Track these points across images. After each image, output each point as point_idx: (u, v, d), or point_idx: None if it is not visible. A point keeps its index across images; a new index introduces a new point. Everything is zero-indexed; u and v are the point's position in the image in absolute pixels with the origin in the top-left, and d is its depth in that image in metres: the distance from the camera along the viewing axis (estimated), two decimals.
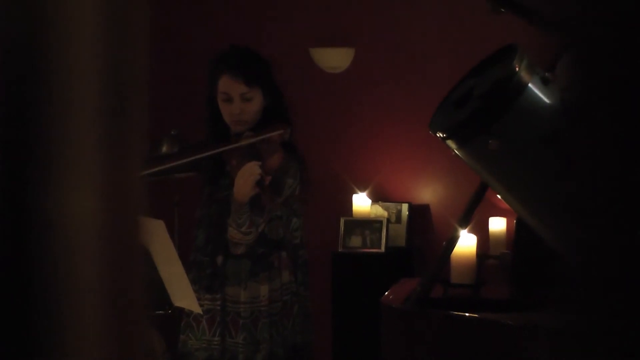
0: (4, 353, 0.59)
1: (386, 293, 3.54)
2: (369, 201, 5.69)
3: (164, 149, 4.03)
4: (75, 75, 0.60)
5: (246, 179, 3.41)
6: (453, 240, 3.35)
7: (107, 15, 0.62)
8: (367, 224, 5.59)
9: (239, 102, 3.52)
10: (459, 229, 3.33)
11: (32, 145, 0.59)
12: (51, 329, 0.60)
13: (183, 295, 3.44)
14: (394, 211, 5.69)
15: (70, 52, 0.60)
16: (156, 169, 3.48)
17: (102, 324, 0.63)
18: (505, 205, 3.68)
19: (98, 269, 0.61)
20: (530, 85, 2.72)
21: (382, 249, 5.51)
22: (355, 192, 5.73)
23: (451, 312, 3.19)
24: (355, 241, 5.58)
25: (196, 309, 3.50)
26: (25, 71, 0.59)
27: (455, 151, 2.92)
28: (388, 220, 5.60)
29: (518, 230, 3.57)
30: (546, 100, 2.74)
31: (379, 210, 5.67)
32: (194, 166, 3.62)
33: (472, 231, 3.63)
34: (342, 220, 5.61)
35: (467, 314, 3.15)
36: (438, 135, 2.92)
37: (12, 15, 0.59)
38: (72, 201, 0.59)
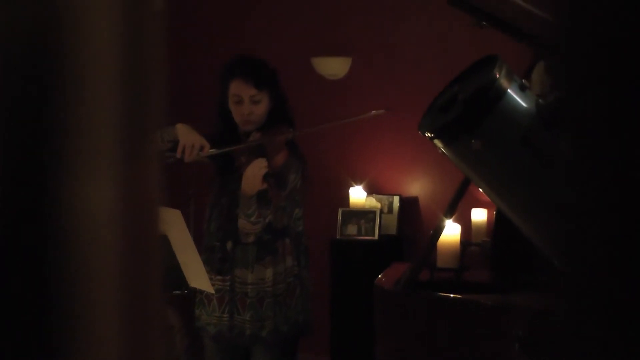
0: (24, 343, 0.58)
1: (379, 276, 3.54)
2: (364, 194, 5.70)
3: None
4: (94, 70, 0.59)
5: (255, 173, 3.42)
6: (439, 229, 3.35)
7: (125, 15, 0.61)
8: (362, 214, 5.60)
9: (248, 103, 3.53)
10: (445, 219, 3.33)
11: (50, 137, 0.58)
12: (69, 318, 0.59)
13: (197, 277, 3.44)
14: (387, 203, 5.69)
15: (89, 47, 0.59)
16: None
17: (120, 313, 0.62)
18: (486, 198, 3.68)
19: (116, 258, 0.61)
20: (509, 91, 2.71)
21: (376, 236, 5.52)
22: (352, 186, 5.74)
23: (437, 293, 3.19)
24: (352, 229, 5.58)
25: (209, 289, 3.50)
26: (44, 66, 0.58)
27: (442, 150, 2.91)
28: (381, 210, 5.61)
29: (497, 221, 3.57)
30: (523, 104, 2.73)
31: (372, 202, 5.68)
32: (211, 156, 3.63)
33: (456, 221, 3.63)
34: (339, 211, 5.62)
35: (451, 295, 3.15)
36: (426, 135, 2.91)
37: (33, 12, 0.58)
38: (90, 192, 0.59)
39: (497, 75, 2.72)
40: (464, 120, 2.75)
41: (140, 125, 0.62)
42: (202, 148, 3.45)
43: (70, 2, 0.58)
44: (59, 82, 0.58)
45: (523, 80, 2.81)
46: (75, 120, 0.58)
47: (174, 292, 3.49)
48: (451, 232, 3.61)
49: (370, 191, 5.74)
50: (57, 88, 0.58)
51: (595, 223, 0.55)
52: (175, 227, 3.33)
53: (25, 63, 0.58)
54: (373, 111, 3.59)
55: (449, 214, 3.32)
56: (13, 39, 0.58)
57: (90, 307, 0.60)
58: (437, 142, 2.88)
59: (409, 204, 5.75)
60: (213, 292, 3.55)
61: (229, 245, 3.59)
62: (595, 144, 0.54)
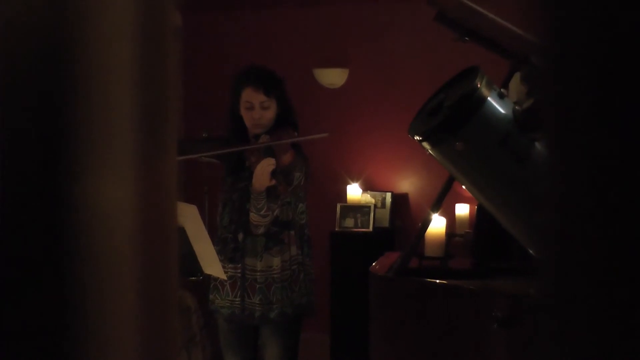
0: (46, 329, 0.57)
1: (373, 264, 3.54)
2: (360, 190, 5.70)
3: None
4: (112, 74, 0.58)
5: (264, 171, 3.41)
6: (427, 222, 3.35)
7: (142, 23, 0.60)
8: (358, 208, 5.60)
9: (259, 109, 3.52)
10: (432, 213, 3.32)
11: (69, 135, 0.57)
12: (88, 307, 0.58)
13: (211, 265, 3.44)
14: (380, 198, 5.69)
15: (108, 52, 0.58)
16: (197, 154, 3.52)
17: (139, 299, 0.61)
18: (468, 194, 3.68)
19: (134, 249, 0.60)
20: (489, 98, 2.71)
21: (370, 228, 5.52)
22: (349, 183, 5.74)
23: (425, 279, 3.19)
24: (349, 222, 5.58)
25: (222, 275, 3.50)
26: (61, 67, 0.57)
27: (429, 151, 2.90)
28: (375, 205, 5.60)
29: (478, 214, 3.56)
30: (501, 110, 2.72)
31: (367, 198, 5.68)
32: (220, 156, 3.63)
33: (441, 215, 3.62)
34: (338, 206, 5.62)
35: (437, 281, 3.14)
36: (415, 138, 2.91)
37: (54, 19, 0.57)
38: (107, 188, 0.58)
39: (479, 85, 2.71)
40: (449, 125, 2.75)
41: (156, 126, 0.61)
42: None
43: (87, 12, 0.57)
44: (76, 83, 0.57)
45: (501, 89, 2.81)
46: (93, 120, 0.57)
47: (191, 278, 3.49)
48: (437, 224, 3.60)
49: (366, 188, 5.74)
50: (73, 89, 0.57)
51: (565, 214, 0.54)
52: (191, 220, 3.33)
53: (43, 65, 0.57)
54: (316, 135, 3.57)
55: (435, 209, 3.32)
56: (32, 43, 0.57)
57: (110, 294, 0.59)
58: (425, 144, 2.88)
59: (400, 200, 5.75)
60: (225, 278, 3.55)
61: (240, 236, 3.59)
62: (568, 143, 0.54)
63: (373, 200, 5.65)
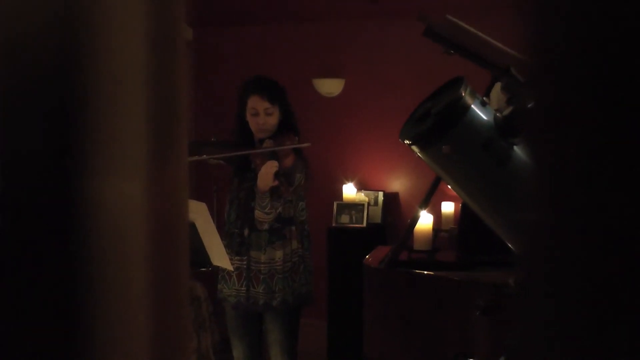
0: (62, 321, 0.56)
1: (367, 256, 3.54)
2: (355, 189, 5.70)
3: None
4: (123, 79, 0.57)
5: (268, 172, 3.42)
6: (415, 218, 3.35)
7: (153, 29, 0.59)
8: (353, 206, 5.59)
9: (263, 115, 3.53)
10: (420, 210, 3.32)
11: (82, 137, 0.56)
12: (103, 301, 0.57)
13: (220, 257, 3.44)
14: (373, 197, 5.68)
15: (119, 59, 0.57)
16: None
17: (150, 295, 0.60)
18: (453, 193, 3.68)
19: (146, 244, 0.59)
20: (472, 106, 2.70)
21: (364, 224, 5.52)
22: (345, 183, 5.74)
23: (414, 270, 3.19)
24: (345, 219, 5.58)
25: (229, 267, 3.50)
26: (76, 74, 0.56)
27: (418, 154, 2.90)
28: (368, 203, 5.60)
29: (462, 211, 3.56)
30: (484, 117, 2.72)
31: (361, 196, 5.67)
32: (227, 158, 3.64)
33: (429, 212, 3.62)
34: (334, 204, 5.61)
35: (425, 272, 3.14)
36: (405, 142, 2.90)
37: (67, 27, 0.56)
38: (120, 187, 0.57)
39: (463, 93, 2.71)
40: (436, 130, 2.75)
41: (167, 128, 0.61)
42: None
43: (99, 20, 0.56)
44: (88, 87, 0.56)
45: (484, 98, 2.81)
46: (105, 123, 0.56)
47: (201, 269, 3.49)
48: (425, 221, 3.60)
49: (360, 187, 5.74)
50: (86, 93, 0.56)
51: (542, 212, 0.54)
52: (201, 216, 3.33)
53: (58, 71, 0.56)
54: (300, 144, 3.57)
55: (423, 206, 3.32)
56: (46, 50, 0.56)
57: (124, 287, 0.58)
58: (414, 147, 2.88)
59: (391, 198, 5.75)
60: (232, 269, 3.55)
61: (246, 231, 3.59)
62: (558, 143, 0.54)
63: (367, 199, 5.65)
